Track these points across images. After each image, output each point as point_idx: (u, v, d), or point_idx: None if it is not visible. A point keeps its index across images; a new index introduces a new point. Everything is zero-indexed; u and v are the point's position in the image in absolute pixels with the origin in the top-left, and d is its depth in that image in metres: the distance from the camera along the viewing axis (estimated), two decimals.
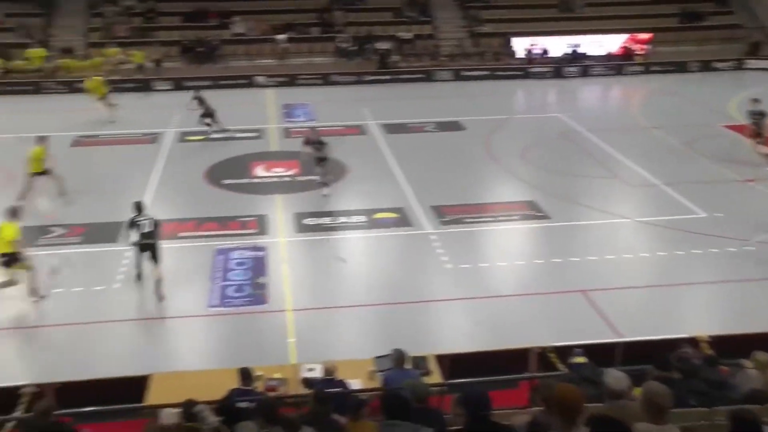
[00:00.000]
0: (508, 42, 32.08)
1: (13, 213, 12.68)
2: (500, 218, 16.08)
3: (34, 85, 27.96)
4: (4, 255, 12.22)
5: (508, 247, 14.98)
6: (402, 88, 29.30)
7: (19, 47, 29.40)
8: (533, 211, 16.42)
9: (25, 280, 12.51)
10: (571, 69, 31.27)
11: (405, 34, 31.82)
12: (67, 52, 29.48)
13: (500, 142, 21.41)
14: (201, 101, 21.80)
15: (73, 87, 27.80)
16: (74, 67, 28.79)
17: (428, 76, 30.34)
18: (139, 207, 12.96)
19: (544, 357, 9.66)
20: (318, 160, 17.30)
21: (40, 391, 9.22)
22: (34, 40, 29.50)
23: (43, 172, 17.00)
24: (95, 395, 9.17)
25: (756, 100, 19.85)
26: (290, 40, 31.13)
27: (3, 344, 11.53)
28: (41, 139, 17.20)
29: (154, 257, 12.74)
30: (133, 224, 12.73)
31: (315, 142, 17.43)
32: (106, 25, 30.84)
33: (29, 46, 29.09)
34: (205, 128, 21.71)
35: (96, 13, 31.59)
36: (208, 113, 21.67)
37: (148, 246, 12.69)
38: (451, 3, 34.40)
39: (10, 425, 8.49)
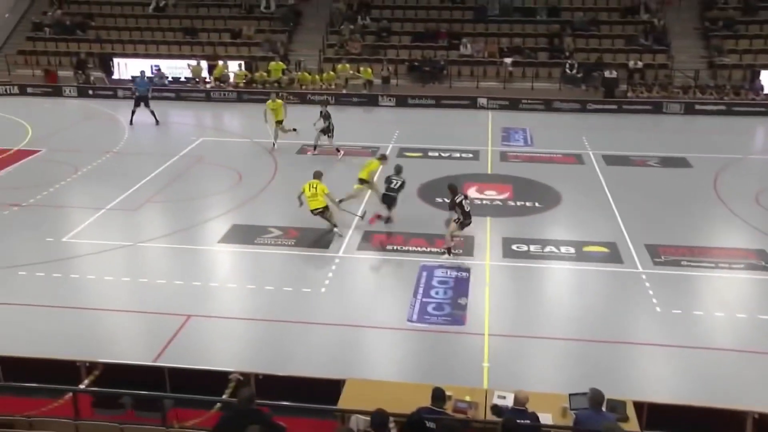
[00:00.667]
0: (754, 75, 29.70)
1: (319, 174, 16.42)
2: (722, 265, 14.88)
3: (266, 94, 30.17)
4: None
5: (728, 296, 13.82)
6: (627, 118, 28.15)
7: (264, 60, 31.97)
8: (762, 261, 15.04)
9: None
10: None
11: (635, 62, 30.56)
12: (301, 65, 31.54)
13: (731, 183, 19.86)
14: (327, 116, 22.43)
15: (305, 99, 29.76)
16: (308, 81, 30.80)
17: (657, 108, 28.89)
18: (397, 169, 16.94)
19: (764, 423, 8.78)
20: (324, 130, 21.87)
21: (244, 379, 9.91)
22: (276, 54, 31.96)
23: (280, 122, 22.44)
24: (292, 391, 9.69)
25: None
26: (516, 63, 31.08)
27: (217, 332, 12.51)
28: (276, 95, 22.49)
29: (393, 205, 16.63)
30: (387, 180, 16.71)
31: (325, 115, 21.83)
32: (341, 42, 32.68)
33: (272, 60, 31.55)
34: (322, 142, 22.63)
35: (334, 30, 33.59)
36: (328, 129, 22.36)
37: (390, 198, 16.54)
38: (692, 31, 32.57)
39: (217, 406, 9.22)
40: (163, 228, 16.99)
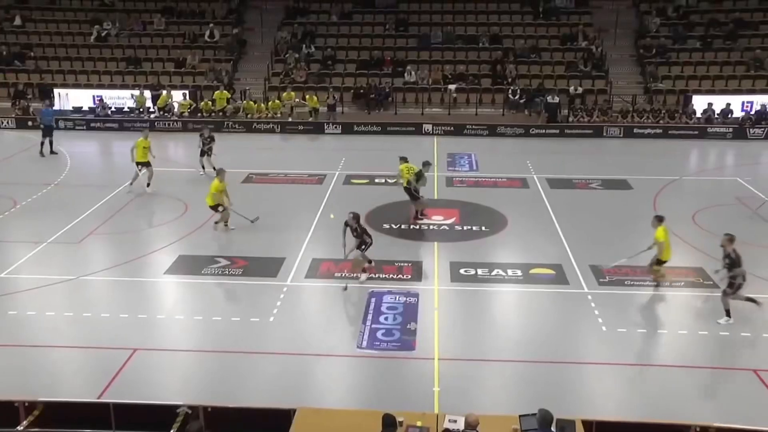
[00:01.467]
0: (687, 100, 30.74)
1: None
2: (664, 283, 15.25)
3: (216, 123, 30.03)
4: None
5: (670, 314, 14.17)
6: (569, 142, 28.80)
7: (209, 89, 31.82)
8: (701, 279, 15.47)
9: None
10: (756, 130, 29.40)
11: (575, 88, 31.36)
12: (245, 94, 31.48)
13: (669, 204, 20.42)
14: (211, 140, 23.21)
15: (251, 127, 29.73)
16: (254, 109, 30.74)
17: (598, 132, 29.62)
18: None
19: None
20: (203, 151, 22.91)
21: (193, 412, 9.73)
22: (221, 84, 31.85)
23: (146, 163, 21.37)
24: (243, 422, 9.55)
25: None
26: (460, 90, 31.57)
27: (165, 364, 12.28)
28: (145, 130, 22.29)
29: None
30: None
31: (207, 137, 22.94)
32: (286, 70, 32.76)
33: (217, 89, 31.40)
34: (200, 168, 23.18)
35: (279, 59, 33.65)
36: (205, 152, 23.09)
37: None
38: (628, 58, 33.59)
39: None
40: (108, 260, 16.65)
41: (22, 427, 9.59)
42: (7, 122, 30.70)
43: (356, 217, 15.56)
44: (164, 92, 31.26)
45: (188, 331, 13.43)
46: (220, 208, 18.12)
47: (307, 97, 30.77)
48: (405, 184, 19.10)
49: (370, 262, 15.70)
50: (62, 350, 12.64)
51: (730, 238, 13.35)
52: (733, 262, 13.20)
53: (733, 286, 13.30)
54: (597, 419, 9.45)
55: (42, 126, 26.27)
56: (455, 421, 9.06)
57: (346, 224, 15.49)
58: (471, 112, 31.22)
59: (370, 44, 34.38)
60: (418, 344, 12.81)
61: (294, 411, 9.55)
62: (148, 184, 21.50)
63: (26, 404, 9.89)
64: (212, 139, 23.13)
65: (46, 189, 21.81)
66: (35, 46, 35.06)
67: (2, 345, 12.72)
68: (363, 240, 15.53)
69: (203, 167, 23.05)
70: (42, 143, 26.07)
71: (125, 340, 12.94)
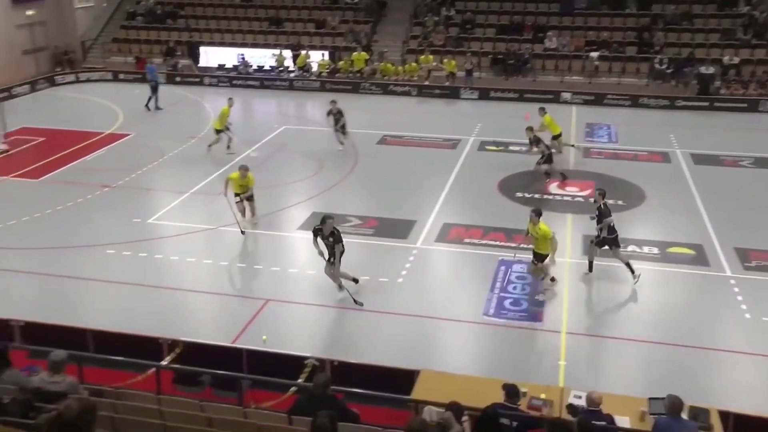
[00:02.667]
0: None
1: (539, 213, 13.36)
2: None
3: (353, 84, 30.44)
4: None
5: None
6: (720, 116, 27.16)
7: (347, 50, 32.21)
8: None
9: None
10: None
11: (731, 58, 29.41)
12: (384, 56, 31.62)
13: None
14: (340, 114, 21.73)
15: (387, 89, 29.93)
16: (391, 72, 30.87)
17: (753, 106, 27.76)
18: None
19: None
20: (336, 129, 21.37)
21: (320, 365, 10.05)
22: (359, 45, 32.14)
23: (224, 129, 21.16)
24: (366, 379, 9.78)
25: None
26: (602, 57, 30.38)
27: (294, 316, 12.72)
28: (230, 99, 21.62)
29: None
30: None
31: (335, 113, 21.34)
32: (424, 33, 32.61)
33: (355, 50, 31.74)
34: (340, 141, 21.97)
35: (418, 22, 33.54)
36: (338, 130, 21.86)
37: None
38: None
39: (292, 390, 9.39)
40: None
41: (165, 362, 10.25)
42: (159, 78, 32.30)
43: (326, 219, 13.05)
44: (303, 52, 31.92)
45: (318, 286, 13.80)
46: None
47: (444, 61, 30.56)
48: (556, 134, 19.84)
49: (356, 281, 13.43)
50: (201, 295, 13.34)
51: (601, 193, 14.01)
52: (600, 214, 13.82)
53: (598, 238, 13.92)
54: (735, 411, 9.01)
55: (151, 82, 27.60)
56: (580, 397, 8.89)
57: (315, 232, 13.14)
58: (613, 82, 30.01)
59: (511, 8, 33.62)
60: (546, 316, 12.62)
61: (417, 372, 9.67)
62: (228, 147, 21.38)
63: (169, 342, 10.56)
64: (341, 114, 21.69)
65: (191, 142, 22.89)
66: (186, 5, 36.62)
67: (149, 286, 13.58)
68: (334, 250, 13.03)
69: (341, 143, 21.94)
70: (149, 98, 27.41)
71: (259, 290, 13.51)
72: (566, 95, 28.92)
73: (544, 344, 11.86)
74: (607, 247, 13.88)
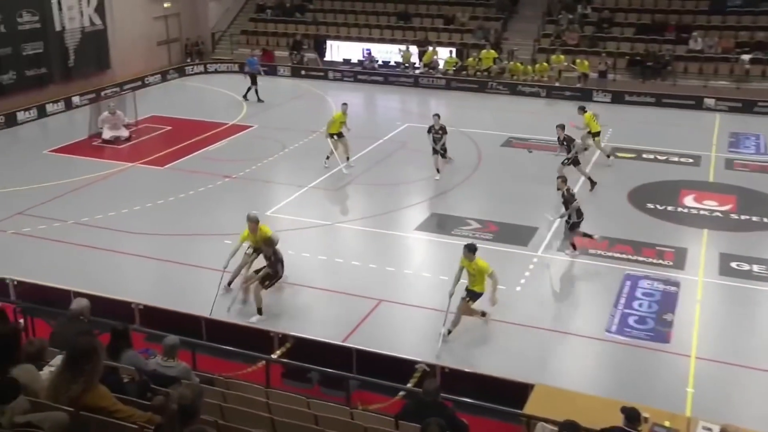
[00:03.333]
0: None
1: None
2: None
3: (480, 84, 30.25)
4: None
5: None
6: None
7: (476, 48, 32.03)
8: None
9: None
10: None
11: None
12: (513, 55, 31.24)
13: None
14: (443, 132, 19.19)
15: (515, 90, 29.56)
16: (520, 71, 30.46)
17: None
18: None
19: None
20: (437, 150, 19.02)
21: (431, 370, 10.04)
22: (488, 42, 31.89)
23: (339, 134, 20.03)
24: (477, 388, 9.69)
25: None
26: (755, 60, 28.77)
27: (407, 319, 12.77)
28: (344, 105, 20.42)
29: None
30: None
31: (437, 130, 19.08)
32: (557, 32, 31.99)
33: (484, 48, 31.51)
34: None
35: (551, 20, 32.95)
36: (438, 151, 19.33)
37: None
38: None
39: (401, 394, 9.42)
40: (362, 210, 17.61)
41: (275, 356, 10.53)
42: (284, 70, 33.31)
43: (272, 242, 12.84)
44: (430, 48, 31.99)
45: (433, 289, 13.79)
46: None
47: (577, 61, 29.86)
48: (595, 131, 19.89)
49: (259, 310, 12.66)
50: (314, 291, 13.63)
51: (563, 179, 15.05)
52: (566, 200, 14.71)
53: (569, 224, 14.78)
54: None
55: (248, 73, 28.53)
56: (710, 430, 8.45)
57: (256, 250, 13.02)
58: (765, 87, 28.38)
59: (653, 6, 32.42)
60: (674, 337, 12.11)
61: (531, 386, 9.49)
62: (348, 158, 20.21)
63: (280, 336, 10.84)
64: (444, 131, 19.16)
65: (312, 136, 23.42)
66: None
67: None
68: (275, 271, 12.80)
69: (438, 170, 19.38)
70: (248, 89, 28.31)
71: (372, 289, 13.65)
72: (710, 101, 27.62)
73: (671, 368, 11.38)
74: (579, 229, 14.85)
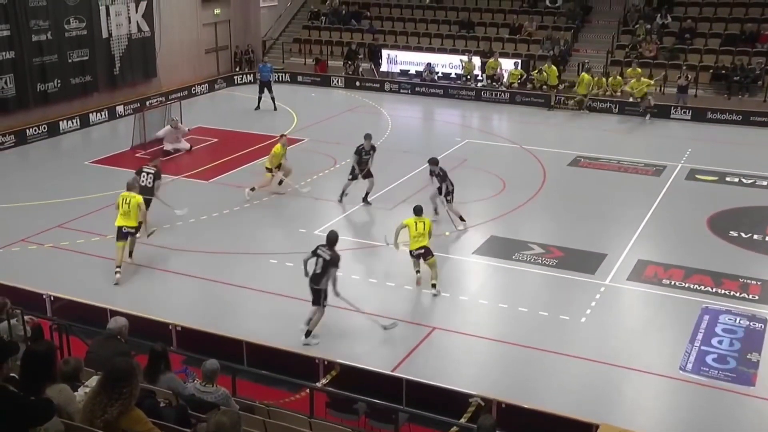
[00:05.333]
0: None
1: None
2: None
3: (546, 98, 30.09)
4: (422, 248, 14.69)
5: None
6: None
7: (543, 59, 31.88)
8: None
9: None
10: None
11: None
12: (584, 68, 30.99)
13: None
14: (443, 177, 17.58)
15: (584, 104, 29.32)
16: (591, 85, 30.15)
17: None
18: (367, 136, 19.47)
19: None
20: (444, 199, 17.54)
21: (486, 405, 9.98)
22: (556, 55, 31.67)
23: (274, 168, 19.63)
24: (536, 426, 9.60)
25: None
26: None
27: (462, 348, 12.73)
28: (281, 137, 20.27)
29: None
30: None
31: (438, 174, 17.51)
32: (634, 43, 31.67)
33: (551, 60, 31.31)
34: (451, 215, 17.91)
35: (627, 30, 32.63)
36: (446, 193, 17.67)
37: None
38: None
39: (454, 429, 9.39)
40: None
41: (320, 384, 10.60)
42: (337, 81, 33.71)
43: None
44: (493, 59, 31.90)
45: (491, 318, 13.77)
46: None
47: (633, 83, 29.40)
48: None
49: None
50: (363, 316, 13.63)
51: (434, 162, 17.26)
52: (444, 175, 17.06)
53: (449, 200, 17.11)
54: None
55: (260, 80, 29.31)
56: None
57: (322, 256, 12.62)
58: None
59: (743, 15, 31.82)
60: (759, 380, 11.79)
61: (596, 426, 9.37)
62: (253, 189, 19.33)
63: (326, 363, 10.91)
64: (445, 176, 17.54)
65: None
66: (372, 5, 37.93)
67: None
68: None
69: (454, 224, 17.61)
70: (259, 98, 28.89)
71: (425, 316, 13.67)
72: None
73: (755, 414, 11.11)
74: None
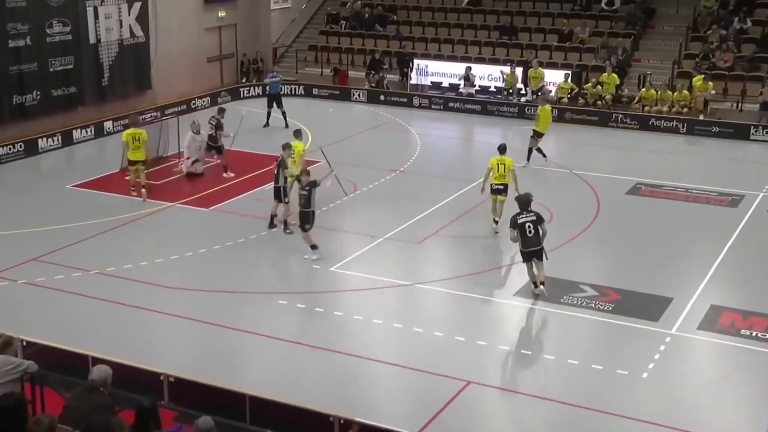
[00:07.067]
0: None
1: None
2: None
3: (601, 115, 30.02)
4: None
5: None
6: None
7: (597, 71, 31.87)
8: None
9: None
10: None
11: None
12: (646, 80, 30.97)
13: None
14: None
15: (647, 123, 29.24)
16: (653, 100, 30.09)
17: None
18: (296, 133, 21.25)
19: None
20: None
21: None
22: (612, 65, 31.59)
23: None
24: None
25: None
26: None
27: (502, 406, 12.61)
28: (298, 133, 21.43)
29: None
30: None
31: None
32: (705, 51, 31.59)
33: (605, 70, 31.25)
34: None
35: (697, 36, 32.56)
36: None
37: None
38: None
39: None
40: (449, 269, 17.60)
41: None
42: (358, 95, 33.89)
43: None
44: (539, 70, 31.74)
45: (535, 371, 13.66)
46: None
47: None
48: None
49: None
50: (386, 366, 13.60)
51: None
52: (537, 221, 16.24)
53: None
54: None
55: (268, 93, 29.99)
56: None
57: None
58: None
59: None
60: None
61: None
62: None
63: (341, 421, 10.82)
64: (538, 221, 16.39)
65: (390, 175, 23.63)
66: (399, 8, 38.17)
67: (324, 348, 14.08)
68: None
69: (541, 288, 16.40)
70: (268, 114, 29.42)
71: (458, 368, 13.54)
72: None
73: None
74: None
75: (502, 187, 18.92)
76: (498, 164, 19.07)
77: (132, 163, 21.51)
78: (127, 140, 21.37)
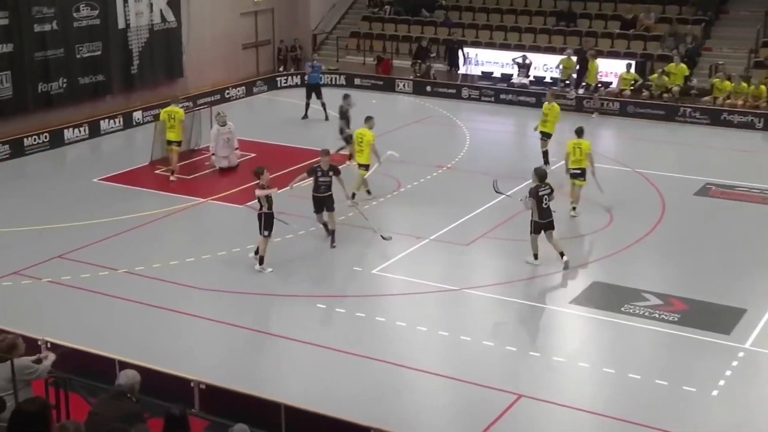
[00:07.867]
0: None
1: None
2: None
3: (668, 109, 29.71)
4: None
5: None
6: None
7: (663, 60, 31.53)
8: None
9: None
10: None
11: None
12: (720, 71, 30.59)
13: None
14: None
15: (718, 118, 28.88)
16: (726, 92, 29.67)
17: None
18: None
19: None
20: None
21: None
22: (681, 53, 31.26)
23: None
24: None
25: None
26: None
27: (557, 423, 12.55)
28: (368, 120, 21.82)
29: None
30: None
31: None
32: None
33: (671, 60, 30.89)
34: None
35: None
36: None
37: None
38: None
39: None
40: (499, 273, 17.51)
41: None
42: (404, 85, 33.87)
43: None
44: (598, 60, 31.36)
45: (593, 385, 13.55)
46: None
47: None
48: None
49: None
50: (430, 377, 13.57)
51: (326, 152, 19.01)
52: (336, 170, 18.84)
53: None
54: None
55: (307, 84, 30.22)
56: None
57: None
58: None
59: None
60: None
61: None
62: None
63: None
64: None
65: (437, 172, 23.60)
66: None
67: (364, 356, 14.08)
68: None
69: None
70: (306, 105, 29.56)
71: (509, 380, 13.49)
72: None
73: None
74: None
75: (579, 171, 20.04)
76: (575, 148, 20.12)
77: (168, 143, 23.10)
78: (164, 118, 23.18)
